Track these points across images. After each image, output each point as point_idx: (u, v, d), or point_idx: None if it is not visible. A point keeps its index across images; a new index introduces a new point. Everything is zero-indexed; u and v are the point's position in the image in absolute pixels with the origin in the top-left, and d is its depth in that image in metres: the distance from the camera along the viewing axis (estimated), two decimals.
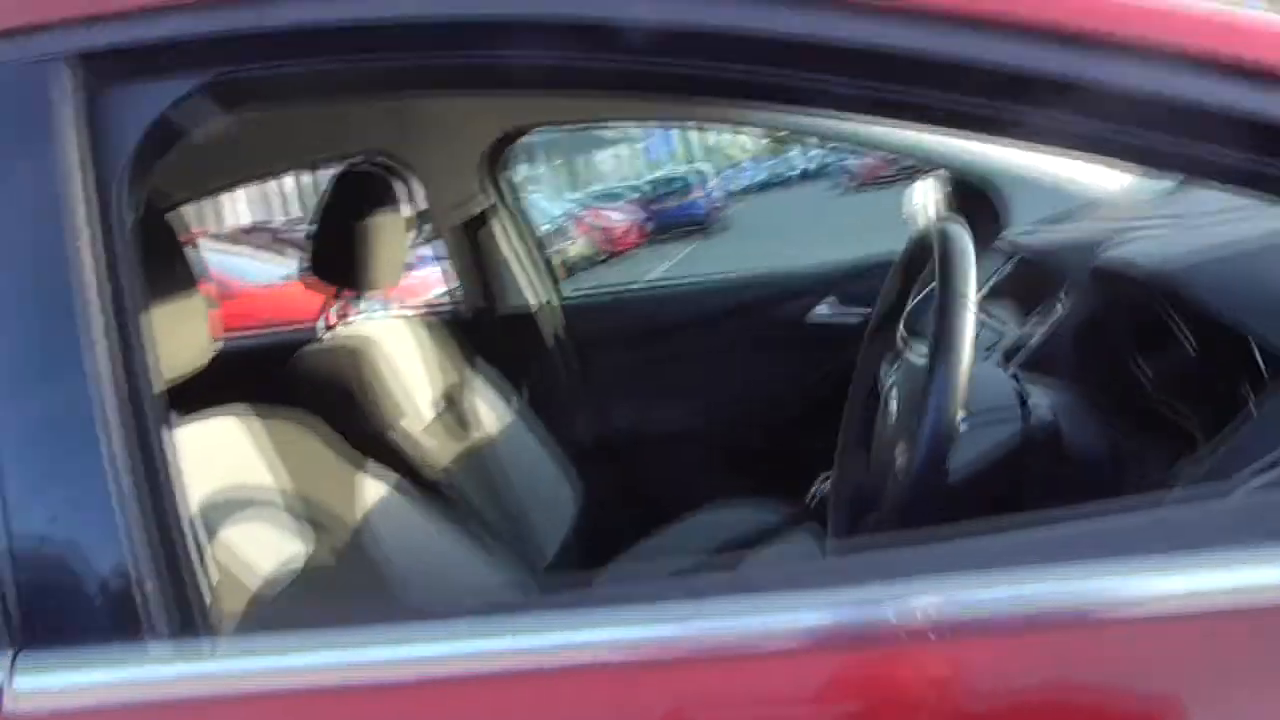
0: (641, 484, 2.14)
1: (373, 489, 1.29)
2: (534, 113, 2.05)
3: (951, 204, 1.91)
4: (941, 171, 1.97)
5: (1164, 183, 1.74)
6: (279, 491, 1.14)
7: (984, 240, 1.90)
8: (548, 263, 2.24)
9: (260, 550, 1.07)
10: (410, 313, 2.05)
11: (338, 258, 1.61)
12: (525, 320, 2.14)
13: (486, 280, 2.12)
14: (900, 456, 0.90)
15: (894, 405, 0.99)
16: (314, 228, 1.64)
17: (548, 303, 2.17)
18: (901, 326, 1.12)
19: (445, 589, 1.30)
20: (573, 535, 1.94)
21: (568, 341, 2.18)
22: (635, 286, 2.30)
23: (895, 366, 1.06)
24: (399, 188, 1.83)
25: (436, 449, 1.69)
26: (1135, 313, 0.98)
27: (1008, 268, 1.41)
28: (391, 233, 1.65)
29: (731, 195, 24.44)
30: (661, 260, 14.84)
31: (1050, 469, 0.86)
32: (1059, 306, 1.17)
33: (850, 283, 2.10)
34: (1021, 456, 0.86)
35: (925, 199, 2.03)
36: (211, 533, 1.01)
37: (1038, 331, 1.15)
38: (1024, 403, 0.89)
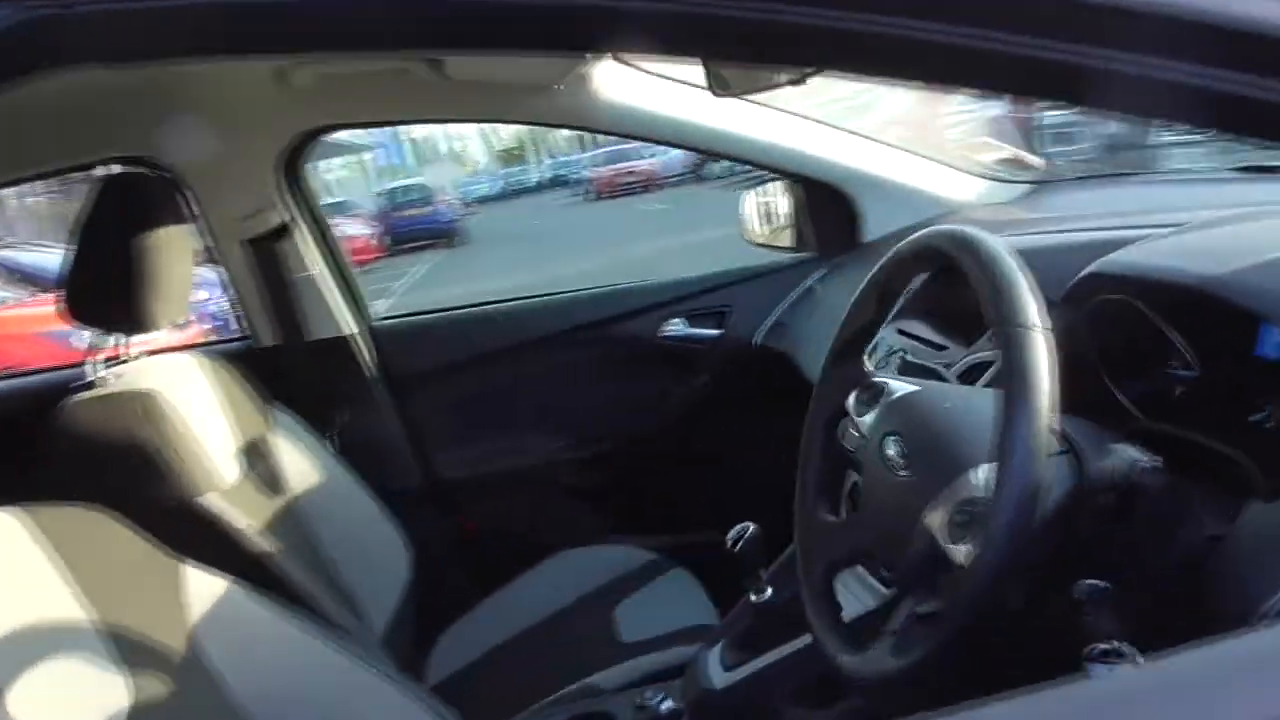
0: (480, 533, 1.89)
1: (195, 596, 0.99)
2: (336, 111, 1.75)
3: (802, 210, 1.83)
4: (773, 177, 1.87)
5: (1018, 188, 1.75)
6: (87, 620, 0.83)
7: (844, 248, 1.86)
8: (350, 282, 1.93)
9: (74, 704, 0.76)
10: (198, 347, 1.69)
11: (107, 292, 1.27)
12: (334, 351, 1.83)
13: (286, 306, 1.78)
14: (939, 516, 0.76)
15: (894, 451, 0.84)
16: (68, 255, 1.28)
17: (359, 330, 1.87)
18: (866, 358, 0.97)
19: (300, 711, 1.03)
20: (407, 601, 1.67)
21: (383, 374, 1.89)
22: (456, 307, 2.03)
23: (871, 402, 0.91)
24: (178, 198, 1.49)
25: (245, 517, 1.38)
26: (1127, 329, 0.90)
27: (917, 282, 1.31)
28: (179, 255, 1.33)
29: (469, 205, 24.03)
30: (405, 273, 14.27)
31: (1115, 511, 0.75)
32: None
33: (691, 300, 1.96)
34: (1084, 500, 0.74)
35: (754, 207, 1.93)
36: (5, 685, 0.71)
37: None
38: (1066, 438, 0.77)
